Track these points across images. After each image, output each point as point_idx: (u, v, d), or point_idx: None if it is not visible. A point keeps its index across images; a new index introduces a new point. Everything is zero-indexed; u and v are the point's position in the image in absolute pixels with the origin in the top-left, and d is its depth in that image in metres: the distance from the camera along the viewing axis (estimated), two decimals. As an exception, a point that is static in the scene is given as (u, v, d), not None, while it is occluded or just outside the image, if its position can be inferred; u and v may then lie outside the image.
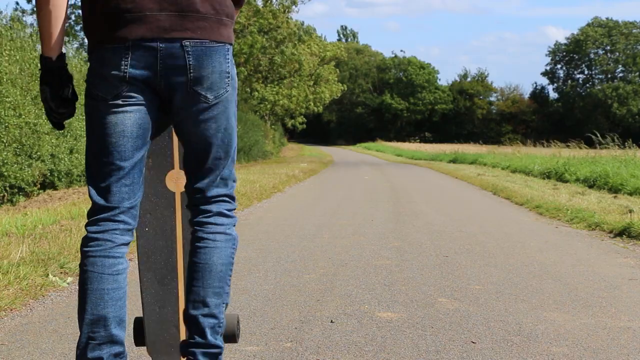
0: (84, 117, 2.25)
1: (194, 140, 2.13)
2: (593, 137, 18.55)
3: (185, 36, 2.04)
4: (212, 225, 2.18)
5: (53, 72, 2.12)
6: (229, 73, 2.12)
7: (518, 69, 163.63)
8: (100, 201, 2.08)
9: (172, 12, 2.04)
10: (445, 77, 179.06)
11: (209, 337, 2.16)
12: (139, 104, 2.08)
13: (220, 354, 2.18)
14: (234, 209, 2.24)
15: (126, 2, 2.02)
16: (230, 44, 2.13)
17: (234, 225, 2.23)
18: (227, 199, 2.21)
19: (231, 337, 2.46)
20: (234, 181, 2.23)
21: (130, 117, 2.08)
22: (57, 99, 2.18)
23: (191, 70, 2.05)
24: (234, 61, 2.17)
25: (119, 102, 2.08)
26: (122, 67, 2.04)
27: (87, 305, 2.09)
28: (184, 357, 2.19)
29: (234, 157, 2.21)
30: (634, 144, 16.95)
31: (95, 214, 2.09)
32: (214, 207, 2.19)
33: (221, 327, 2.19)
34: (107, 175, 2.08)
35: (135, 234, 2.22)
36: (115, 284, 2.10)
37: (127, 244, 2.12)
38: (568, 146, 20.29)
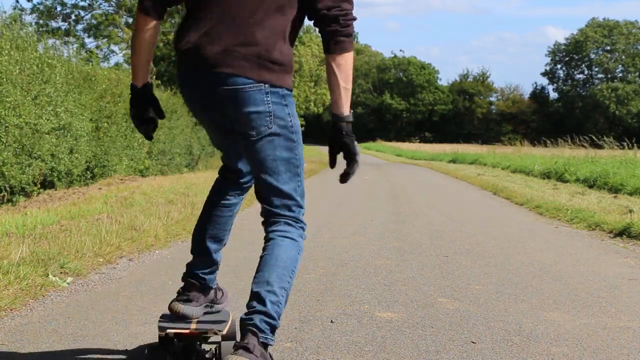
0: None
1: None
2: (595, 138, 18.54)
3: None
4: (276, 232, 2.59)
5: (138, 97, 2.60)
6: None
7: (518, 69, 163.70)
8: None
9: None
10: (446, 77, 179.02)
11: (269, 306, 2.36)
12: None
13: (275, 328, 2.37)
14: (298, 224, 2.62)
15: None
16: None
17: (301, 238, 2.65)
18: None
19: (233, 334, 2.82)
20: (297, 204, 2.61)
21: None
22: (141, 119, 2.61)
23: None
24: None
25: None
26: None
27: None
28: (243, 327, 2.37)
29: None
30: (635, 144, 16.93)
31: None
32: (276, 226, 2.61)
33: (280, 308, 2.39)
34: None
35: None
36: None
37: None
38: (572, 145, 20.21)
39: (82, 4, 21.47)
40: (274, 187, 2.53)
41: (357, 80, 78.40)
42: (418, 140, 67.02)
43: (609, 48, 75.40)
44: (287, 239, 2.57)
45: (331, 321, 3.47)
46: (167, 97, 16.80)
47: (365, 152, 49.34)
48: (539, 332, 3.34)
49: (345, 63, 2.48)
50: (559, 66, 78.93)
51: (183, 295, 2.79)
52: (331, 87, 2.48)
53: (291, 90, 2.49)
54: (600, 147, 18.55)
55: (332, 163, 2.67)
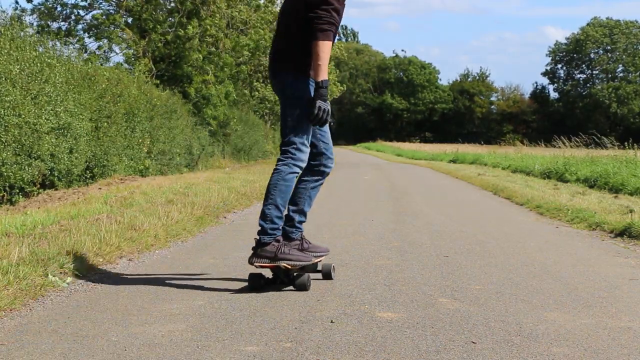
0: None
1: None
2: (595, 137, 18.52)
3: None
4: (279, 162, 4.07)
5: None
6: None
7: (518, 69, 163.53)
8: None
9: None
10: (446, 77, 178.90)
11: (263, 222, 4.02)
12: None
13: (266, 234, 3.99)
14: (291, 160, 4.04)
15: None
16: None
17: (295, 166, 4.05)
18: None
19: (327, 274, 4.33)
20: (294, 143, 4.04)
21: None
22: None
23: None
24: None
25: None
26: None
27: None
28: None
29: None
30: (635, 144, 16.91)
31: None
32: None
33: (274, 229, 4.02)
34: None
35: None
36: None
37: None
38: (572, 144, 20.17)
39: (82, 3, 21.45)
40: None
41: (358, 80, 78.42)
42: (418, 140, 67.06)
43: (609, 48, 75.37)
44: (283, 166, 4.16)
45: (331, 321, 3.46)
46: (166, 97, 16.79)
47: (366, 152, 49.34)
48: (539, 332, 3.33)
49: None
50: (559, 66, 78.95)
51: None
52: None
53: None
54: (600, 146, 18.54)
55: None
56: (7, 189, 8.64)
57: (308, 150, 4.10)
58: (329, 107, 3.95)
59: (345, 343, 3.11)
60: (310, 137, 4.09)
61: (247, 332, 3.27)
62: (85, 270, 4.50)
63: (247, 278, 4.19)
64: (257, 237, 4.01)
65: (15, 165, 8.58)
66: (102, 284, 4.28)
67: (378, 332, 3.28)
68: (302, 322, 3.45)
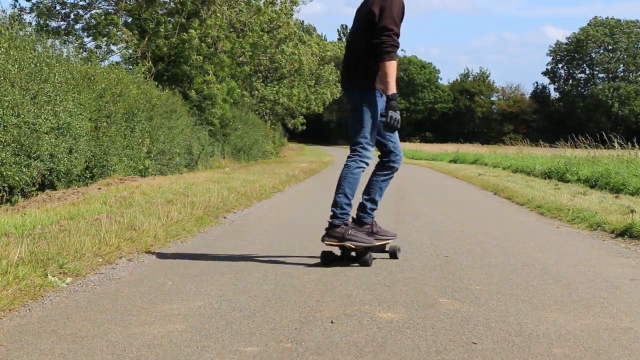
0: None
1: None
2: (604, 136, 18.47)
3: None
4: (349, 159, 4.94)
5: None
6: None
7: (518, 69, 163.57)
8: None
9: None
10: (446, 77, 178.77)
11: (335, 209, 4.88)
12: None
13: (337, 218, 4.86)
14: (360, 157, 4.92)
15: None
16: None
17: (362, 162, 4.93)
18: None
19: (393, 254, 5.17)
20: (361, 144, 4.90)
21: None
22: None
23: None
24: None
25: None
26: None
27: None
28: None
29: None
30: (636, 144, 16.89)
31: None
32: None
33: (344, 213, 4.87)
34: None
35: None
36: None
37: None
38: (578, 144, 20.10)
39: (81, 3, 21.43)
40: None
41: (358, 79, 78.35)
42: (418, 140, 67.04)
43: (610, 47, 75.35)
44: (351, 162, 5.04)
45: (331, 322, 3.45)
46: (166, 97, 16.78)
47: (366, 151, 49.27)
48: (540, 332, 3.32)
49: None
50: (560, 65, 78.93)
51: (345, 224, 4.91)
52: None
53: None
54: (605, 145, 18.48)
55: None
56: (6, 189, 8.63)
57: (372, 149, 4.93)
58: (399, 116, 4.77)
59: (346, 343, 3.10)
60: (374, 138, 4.94)
61: (246, 332, 3.26)
62: (85, 271, 4.49)
63: (246, 278, 4.18)
64: (330, 220, 4.86)
65: (14, 166, 8.57)
66: (102, 285, 4.27)
67: (378, 333, 3.27)
68: (302, 322, 3.44)
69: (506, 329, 3.37)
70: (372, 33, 4.72)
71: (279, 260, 5.10)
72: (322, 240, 4.90)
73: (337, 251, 4.94)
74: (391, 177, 5.10)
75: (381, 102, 4.85)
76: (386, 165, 5.05)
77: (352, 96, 4.91)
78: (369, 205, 5.00)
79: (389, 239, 5.12)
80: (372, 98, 4.83)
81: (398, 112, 4.74)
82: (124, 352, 2.97)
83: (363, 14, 4.89)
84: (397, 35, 4.76)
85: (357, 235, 4.85)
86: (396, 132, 5.03)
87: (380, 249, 5.08)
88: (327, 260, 4.88)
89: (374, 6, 4.77)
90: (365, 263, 4.85)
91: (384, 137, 5.01)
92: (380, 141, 5.01)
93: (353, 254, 4.90)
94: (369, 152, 4.92)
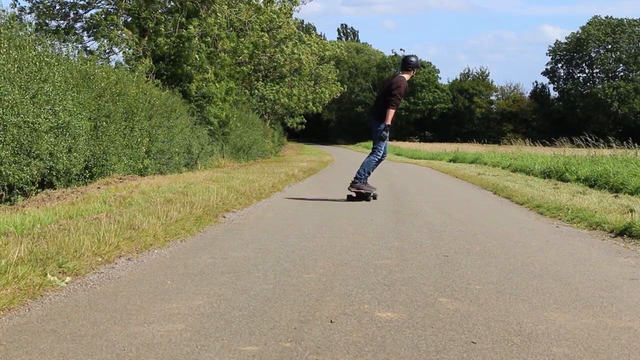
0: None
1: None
2: (600, 138, 18.47)
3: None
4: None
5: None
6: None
7: (516, 67, 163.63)
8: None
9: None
10: (444, 76, 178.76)
11: (357, 175, 9.91)
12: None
13: (357, 180, 9.84)
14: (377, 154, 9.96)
15: None
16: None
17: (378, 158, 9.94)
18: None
19: (375, 196, 9.98)
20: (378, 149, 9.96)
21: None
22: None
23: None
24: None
25: None
26: None
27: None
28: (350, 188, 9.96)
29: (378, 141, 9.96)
30: (636, 144, 16.88)
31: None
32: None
33: (360, 178, 9.85)
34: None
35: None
36: None
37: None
38: (577, 144, 20.09)
39: (80, 2, 21.41)
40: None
41: (357, 79, 78.37)
42: (418, 140, 66.99)
43: (610, 47, 75.33)
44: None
45: (331, 321, 3.45)
46: (166, 96, 16.77)
47: (366, 151, 49.27)
48: (539, 332, 3.32)
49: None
50: (559, 65, 78.91)
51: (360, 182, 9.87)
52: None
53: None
54: (601, 146, 18.48)
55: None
56: (5, 188, 8.62)
57: (382, 150, 9.92)
58: (388, 133, 9.83)
59: (345, 343, 3.10)
60: (383, 144, 9.94)
61: (246, 332, 3.26)
62: (84, 270, 4.49)
63: (245, 277, 4.18)
64: (353, 180, 9.81)
65: (14, 165, 8.56)
66: (101, 284, 4.27)
67: (378, 332, 3.27)
68: (302, 322, 3.44)
69: (506, 328, 3.37)
70: (388, 95, 9.77)
71: (278, 260, 5.10)
72: (348, 189, 9.92)
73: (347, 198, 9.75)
74: (376, 163, 9.98)
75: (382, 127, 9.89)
76: (375, 154, 10.00)
77: (376, 126, 9.83)
78: (362, 172, 9.85)
79: (374, 190, 9.96)
80: (381, 126, 9.87)
81: (387, 131, 9.85)
82: (124, 352, 2.97)
83: (386, 87, 10.01)
84: (399, 100, 9.89)
85: (361, 186, 9.80)
86: (386, 141, 9.97)
87: (375, 195, 9.93)
88: (350, 199, 9.83)
89: (392, 85, 9.79)
90: (365, 198, 9.75)
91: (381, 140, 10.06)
92: (376, 142, 10.07)
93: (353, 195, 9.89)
94: (380, 152, 9.96)
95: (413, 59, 9.85)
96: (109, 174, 11.85)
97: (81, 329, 3.30)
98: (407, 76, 9.81)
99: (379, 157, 9.82)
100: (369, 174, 9.79)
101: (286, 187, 12.45)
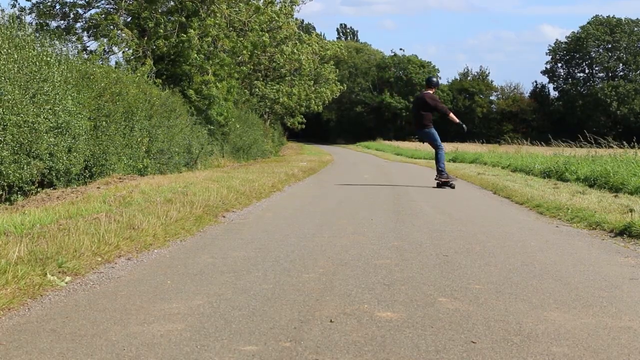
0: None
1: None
2: (599, 138, 18.45)
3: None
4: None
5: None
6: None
7: (516, 67, 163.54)
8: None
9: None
10: (444, 76, 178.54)
11: (437, 169, 12.90)
12: None
13: (440, 172, 12.80)
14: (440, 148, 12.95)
15: None
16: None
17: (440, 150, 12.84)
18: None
19: (452, 186, 12.93)
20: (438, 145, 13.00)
21: None
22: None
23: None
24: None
25: None
26: None
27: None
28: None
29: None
30: (636, 144, 16.87)
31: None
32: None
33: (442, 171, 12.78)
34: None
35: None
36: None
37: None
38: (576, 144, 20.08)
39: (80, 2, 21.41)
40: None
41: (357, 79, 78.36)
42: (418, 140, 66.92)
43: (610, 46, 75.31)
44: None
45: (330, 321, 3.45)
46: (165, 96, 16.77)
47: (365, 151, 49.32)
48: (539, 331, 3.32)
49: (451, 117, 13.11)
50: (559, 64, 78.89)
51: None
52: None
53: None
54: (600, 146, 18.47)
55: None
56: (5, 188, 8.62)
57: (440, 143, 12.86)
58: (465, 128, 13.78)
59: (345, 343, 3.10)
60: (438, 141, 12.87)
61: (246, 331, 3.26)
62: (84, 270, 4.49)
63: (245, 277, 4.19)
64: (437, 173, 12.68)
65: (13, 164, 8.56)
66: (101, 284, 4.27)
67: (377, 332, 3.27)
68: (302, 321, 3.44)
69: (505, 328, 3.37)
70: (422, 109, 12.77)
71: (278, 259, 5.10)
72: (435, 179, 12.67)
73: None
74: (442, 155, 12.70)
75: (432, 131, 12.84)
76: (438, 151, 12.74)
77: (422, 132, 12.94)
78: (440, 167, 12.59)
79: (453, 180, 12.75)
80: (429, 131, 12.82)
81: (465, 127, 13.46)
82: (123, 351, 2.97)
83: (421, 103, 12.87)
84: (442, 103, 12.86)
85: (447, 177, 12.59)
86: (438, 138, 12.88)
87: (454, 184, 12.55)
88: (438, 186, 12.49)
89: (428, 100, 12.70)
90: (450, 185, 12.47)
91: (435, 140, 12.87)
92: (433, 142, 12.89)
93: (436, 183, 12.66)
94: (442, 147, 12.79)
95: (434, 79, 13.47)
96: (108, 173, 11.86)
97: (81, 328, 3.30)
98: (430, 92, 13.09)
99: (442, 147, 12.89)
100: (439, 166, 12.69)
101: (286, 186, 12.45)
